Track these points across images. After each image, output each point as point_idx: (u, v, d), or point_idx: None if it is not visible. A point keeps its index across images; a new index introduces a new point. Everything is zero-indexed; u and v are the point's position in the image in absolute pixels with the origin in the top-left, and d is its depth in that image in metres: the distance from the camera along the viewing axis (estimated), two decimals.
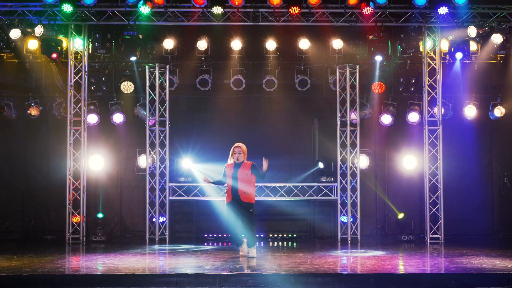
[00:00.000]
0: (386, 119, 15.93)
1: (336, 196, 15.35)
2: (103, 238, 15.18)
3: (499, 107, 15.91)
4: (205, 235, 15.78)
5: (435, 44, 15.34)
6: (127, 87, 15.82)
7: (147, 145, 15.28)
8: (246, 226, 11.18)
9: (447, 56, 15.44)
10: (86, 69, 15.35)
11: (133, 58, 15.18)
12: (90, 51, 15.44)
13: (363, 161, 15.73)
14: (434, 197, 15.16)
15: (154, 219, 15.22)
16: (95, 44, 15.26)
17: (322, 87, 16.32)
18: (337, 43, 15.59)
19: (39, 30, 14.48)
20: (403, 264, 10.97)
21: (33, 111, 15.88)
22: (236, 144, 11.27)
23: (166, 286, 9.13)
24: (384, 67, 15.91)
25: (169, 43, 15.55)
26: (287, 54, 16.04)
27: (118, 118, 15.77)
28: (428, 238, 15.05)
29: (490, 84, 16.11)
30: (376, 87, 15.86)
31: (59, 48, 14.84)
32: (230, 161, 11.28)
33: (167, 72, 15.43)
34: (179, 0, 14.77)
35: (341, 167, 15.36)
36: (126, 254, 12.27)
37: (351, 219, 15.24)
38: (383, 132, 16.22)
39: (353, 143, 15.37)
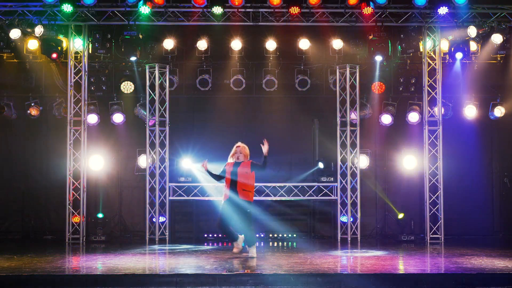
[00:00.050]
0: (386, 119, 15.94)
1: (336, 196, 15.35)
2: (103, 238, 15.18)
3: (499, 107, 15.92)
4: (205, 235, 15.79)
5: (435, 44, 15.34)
6: (127, 87, 15.82)
7: (147, 145, 15.28)
8: (245, 225, 11.15)
9: (447, 56, 15.45)
10: (86, 69, 15.36)
11: (133, 58, 15.18)
12: (90, 51, 15.44)
13: (363, 161, 15.73)
14: (434, 197, 15.16)
15: (154, 219, 15.22)
16: (95, 44, 15.26)
17: (322, 87, 16.32)
18: (337, 43, 15.59)
19: (39, 30, 14.48)
20: (403, 264, 10.96)
21: (33, 111, 15.88)
22: (237, 144, 11.29)
23: (166, 286, 9.12)
24: (384, 67, 15.91)
25: (169, 43, 15.55)
26: (287, 54, 16.05)
27: (118, 118, 15.77)
28: (428, 238, 15.05)
29: (490, 84, 16.11)
30: (376, 87, 15.87)
31: (59, 48, 14.84)
32: (230, 160, 11.29)
33: (167, 72, 15.43)
34: (179, 0, 14.77)
35: (341, 167, 15.37)
36: (126, 254, 12.27)
37: (351, 219, 15.24)
38: (383, 132, 16.23)
39: (353, 143, 15.37)
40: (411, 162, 15.81)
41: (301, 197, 15.45)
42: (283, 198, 15.45)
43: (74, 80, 15.32)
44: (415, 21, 14.98)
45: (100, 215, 15.69)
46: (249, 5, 14.70)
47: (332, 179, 15.47)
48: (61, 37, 15.08)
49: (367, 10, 14.33)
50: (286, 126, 16.28)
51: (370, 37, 15.25)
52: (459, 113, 16.02)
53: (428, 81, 15.37)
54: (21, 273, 9.53)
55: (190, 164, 15.43)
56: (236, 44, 15.57)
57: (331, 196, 15.43)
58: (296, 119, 16.27)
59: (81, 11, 14.61)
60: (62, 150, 15.41)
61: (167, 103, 15.40)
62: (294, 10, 14.44)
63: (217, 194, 14.89)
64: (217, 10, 14.43)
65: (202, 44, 15.52)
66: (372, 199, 16.12)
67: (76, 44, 15.37)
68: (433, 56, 15.40)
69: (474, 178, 16.21)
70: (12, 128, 16.26)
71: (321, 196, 15.48)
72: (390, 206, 15.95)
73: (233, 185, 11.07)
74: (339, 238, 15.17)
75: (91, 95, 15.74)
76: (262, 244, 14.58)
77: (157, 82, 15.26)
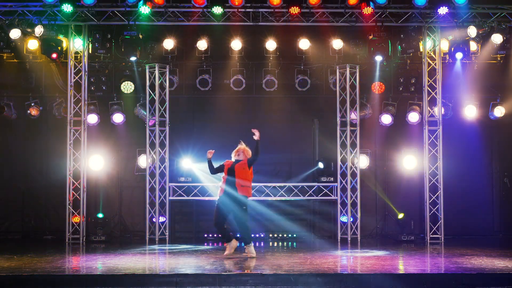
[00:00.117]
0: (386, 119, 15.93)
1: (336, 196, 15.35)
2: (103, 238, 15.18)
3: (499, 107, 15.91)
4: (205, 235, 15.79)
5: (435, 44, 15.34)
6: (127, 87, 15.82)
7: (147, 145, 15.28)
8: (241, 222, 11.22)
9: (447, 56, 15.45)
10: (86, 69, 15.35)
11: (133, 58, 15.18)
12: (90, 51, 15.44)
13: (363, 161, 15.73)
14: (434, 197, 15.16)
15: (154, 219, 15.22)
16: (95, 44, 15.27)
17: (322, 87, 16.32)
18: (337, 43, 15.59)
19: (39, 30, 14.47)
20: (403, 264, 10.96)
21: (33, 111, 15.88)
22: (241, 144, 11.52)
23: (166, 286, 9.13)
24: (384, 67, 15.91)
25: (169, 43, 15.55)
26: (287, 54, 16.05)
27: (118, 118, 15.77)
28: (428, 238, 15.05)
29: (490, 84, 16.11)
30: (376, 87, 15.87)
31: (59, 48, 14.84)
32: (233, 157, 11.51)
33: (167, 72, 15.43)
34: (179, 0, 14.77)
35: (341, 167, 15.36)
36: (126, 254, 12.27)
37: (351, 219, 15.24)
38: (383, 132, 16.23)
39: (353, 143, 15.37)
40: (411, 162, 15.81)
41: (301, 197, 15.46)
42: (283, 198, 15.45)
43: (74, 80, 15.32)
44: (415, 21, 14.98)
45: (100, 215, 15.68)
46: (249, 5, 14.69)
47: (332, 179, 15.48)
48: (61, 37, 15.08)
49: (367, 10, 14.33)
50: (286, 126, 16.29)
51: (370, 37, 15.25)
52: (459, 113, 16.02)
53: (428, 81, 15.37)
54: (21, 273, 9.53)
55: (190, 164, 15.44)
56: (236, 44, 15.57)
57: (331, 196, 15.43)
58: (296, 119, 16.27)
59: (81, 11, 14.61)
60: (62, 150, 15.41)
61: (167, 103, 15.40)
62: (294, 10, 14.44)
63: (217, 194, 14.88)
64: (217, 10, 14.43)
65: (202, 44, 15.52)
66: (372, 199, 16.12)
67: (76, 44, 15.37)
68: (433, 56, 15.39)
69: (474, 178, 16.22)
70: (12, 128, 16.26)
71: (321, 196, 15.48)
72: (390, 206, 15.95)
73: (231, 181, 11.19)
74: (339, 238, 15.17)
75: (91, 95, 15.74)
76: (262, 244, 14.58)
77: (157, 82, 15.26)
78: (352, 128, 15.37)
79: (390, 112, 15.99)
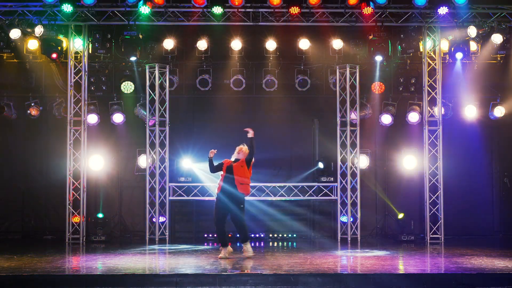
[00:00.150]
0: (386, 119, 15.93)
1: (336, 196, 15.35)
2: (103, 238, 15.18)
3: (499, 107, 15.91)
4: (205, 235, 15.79)
5: (435, 44, 15.34)
6: (127, 87, 15.82)
7: (147, 145, 15.28)
8: (238, 221, 11.24)
9: (447, 56, 15.45)
10: (86, 69, 15.35)
11: (133, 58, 15.19)
12: (90, 51, 15.44)
13: (363, 161, 15.73)
14: (434, 197, 15.15)
15: (154, 219, 15.22)
16: (95, 44, 15.27)
17: (322, 87, 16.32)
18: (337, 43, 15.59)
19: (39, 30, 14.47)
20: (403, 264, 10.97)
21: (33, 111, 15.88)
22: (241, 145, 11.62)
23: (166, 286, 9.14)
24: (384, 67, 15.91)
25: (169, 43, 15.54)
26: (287, 54, 16.04)
27: (118, 118, 15.77)
28: (428, 238, 15.05)
29: (490, 84, 16.11)
30: (376, 87, 15.86)
31: (59, 48, 14.84)
32: (232, 158, 11.53)
33: (167, 72, 15.43)
34: (179, 0, 14.77)
35: (341, 167, 15.36)
36: (126, 254, 12.28)
37: (351, 219, 15.24)
38: (383, 132, 16.23)
39: (353, 143, 15.37)
40: (411, 162, 15.80)
41: (301, 197, 15.46)
42: (283, 198, 15.45)
43: (74, 80, 15.32)
44: (415, 21, 14.98)
45: (100, 215, 15.67)
46: (249, 5, 14.69)
47: (332, 179, 15.48)
48: (61, 37, 15.08)
49: (367, 10, 14.33)
50: (286, 126, 16.29)
51: (370, 37, 15.25)
52: (459, 113, 16.02)
53: (428, 81, 15.37)
54: (21, 273, 9.53)
55: (190, 164, 15.44)
56: (236, 44, 15.57)
57: (331, 196, 15.43)
58: (296, 119, 16.27)
59: (81, 11, 14.61)
60: (62, 150, 15.41)
61: (167, 103, 15.40)
62: (294, 10, 14.44)
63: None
64: (217, 10, 14.43)
65: (202, 44, 15.51)
66: (372, 199, 16.12)
67: (76, 44, 15.36)
68: (433, 56, 15.39)
69: (474, 178, 16.22)
70: (12, 128, 16.26)
71: (321, 196, 15.48)
72: (390, 206, 15.95)
73: (230, 179, 11.22)
74: (339, 238, 15.17)
75: (91, 95, 15.74)
76: (262, 244, 14.59)
77: (157, 82, 15.26)
78: (352, 128, 15.36)
79: (390, 112, 15.99)
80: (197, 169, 15.31)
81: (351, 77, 15.37)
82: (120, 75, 16.05)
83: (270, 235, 15.81)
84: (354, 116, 15.40)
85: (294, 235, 15.82)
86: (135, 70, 15.83)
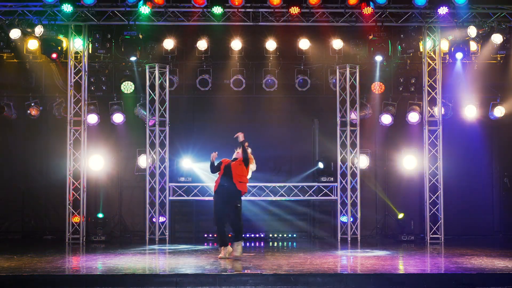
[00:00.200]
0: (386, 119, 15.93)
1: (336, 196, 15.35)
2: (103, 238, 15.17)
3: (499, 107, 15.91)
4: (205, 235, 15.79)
5: (435, 44, 15.34)
6: (127, 87, 15.82)
7: (147, 145, 15.28)
8: (234, 218, 11.17)
9: (447, 56, 15.45)
10: (86, 69, 15.35)
11: (133, 58, 15.19)
12: (90, 51, 15.44)
13: (363, 161, 15.73)
14: (434, 197, 15.15)
15: (154, 219, 15.22)
16: (95, 44, 15.27)
17: (322, 87, 16.32)
18: (337, 43, 15.58)
19: (39, 30, 14.47)
20: (403, 264, 10.97)
21: (33, 111, 15.88)
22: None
23: (166, 286, 9.13)
24: (384, 67, 15.91)
25: (169, 43, 15.54)
26: (287, 54, 16.04)
27: (118, 118, 15.77)
28: (428, 238, 15.05)
29: (490, 84, 16.11)
30: (376, 87, 15.86)
31: (59, 48, 14.84)
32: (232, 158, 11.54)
33: (167, 72, 15.43)
34: (179, 0, 14.77)
35: (341, 167, 15.36)
36: (126, 254, 12.28)
37: (351, 219, 15.24)
38: (383, 132, 16.23)
39: (353, 143, 15.37)
40: (411, 162, 15.80)
41: (301, 197, 15.46)
42: (283, 198, 15.46)
43: (74, 80, 15.32)
44: (415, 21, 14.98)
45: (100, 215, 15.68)
46: (249, 5, 14.69)
47: (332, 179, 15.48)
48: (61, 37, 15.08)
49: (367, 10, 14.33)
50: (286, 126, 16.28)
51: (370, 37, 15.26)
52: (459, 113, 16.02)
53: (428, 81, 15.37)
54: (21, 273, 9.53)
55: (190, 164, 15.44)
56: (236, 44, 15.57)
57: (331, 196, 15.43)
58: (296, 119, 16.27)
59: (81, 11, 14.61)
60: (62, 150, 15.40)
61: (167, 103, 15.40)
62: (294, 10, 14.44)
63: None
64: (217, 10, 14.43)
65: (202, 44, 15.51)
66: (372, 199, 16.12)
67: (76, 44, 15.36)
68: (433, 56, 15.39)
69: (474, 178, 16.22)
70: (12, 128, 16.26)
71: (321, 196, 15.49)
72: (390, 206, 15.95)
73: (228, 177, 11.19)
74: (339, 238, 15.16)
75: (91, 95, 15.74)
76: (262, 244, 14.59)
77: (157, 82, 15.27)
78: (352, 128, 15.37)
79: (390, 112, 15.99)
80: (197, 169, 15.31)
81: (351, 77, 15.37)
82: (120, 75, 16.05)
83: (270, 235, 15.81)
84: (354, 116, 15.40)
85: (294, 235, 15.82)
86: (135, 70, 15.83)
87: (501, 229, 16.26)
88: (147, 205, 15.24)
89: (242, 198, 11.38)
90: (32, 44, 15.24)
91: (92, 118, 15.58)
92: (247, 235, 15.58)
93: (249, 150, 11.44)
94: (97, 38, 15.19)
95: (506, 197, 16.30)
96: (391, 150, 16.17)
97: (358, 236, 15.17)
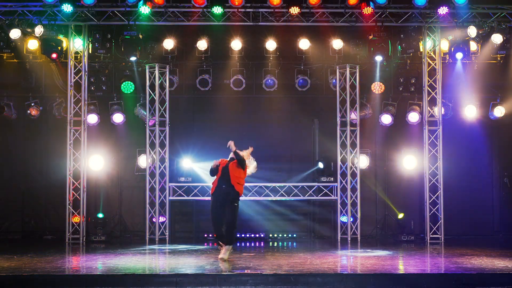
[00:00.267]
0: (386, 119, 15.93)
1: (336, 196, 15.35)
2: (103, 238, 15.17)
3: (499, 107, 15.91)
4: (205, 235, 15.78)
5: (435, 44, 15.34)
6: (127, 87, 15.82)
7: (147, 145, 15.29)
8: (229, 221, 11.07)
9: (447, 56, 15.45)
10: (86, 69, 15.35)
11: (133, 58, 15.19)
12: (90, 51, 15.44)
13: (363, 161, 15.73)
14: (434, 197, 15.15)
15: (154, 219, 15.22)
16: (95, 44, 15.27)
17: (322, 87, 16.32)
18: (337, 43, 15.58)
19: (39, 30, 14.47)
20: (403, 264, 10.97)
21: (33, 111, 15.88)
22: (245, 151, 11.48)
23: (166, 286, 9.13)
24: (384, 67, 15.91)
25: (169, 43, 15.54)
26: (287, 54, 16.04)
27: (118, 118, 15.77)
28: (428, 238, 15.05)
29: (490, 84, 16.10)
30: (376, 87, 15.86)
31: (59, 48, 14.84)
32: (228, 158, 11.44)
33: (167, 72, 15.43)
34: (179, 0, 14.77)
35: (341, 167, 15.37)
36: (126, 254, 12.28)
37: (351, 219, 15.24)
38: (383, 132, 16.23)
39: (353, 143, 15.37)
40: (411, 162, 15.80)
41: (301, 197, 15.46)
42: (283, 198, 15.46)
43: (74, 80, 15.32)
44: (415, 21, 14.98)
45: (100, 215, 15.67)
46: (249, 5, 14.69)
47: (332, 179, 15.49)
48: (61, 37, 15.08)
49: (367, 10, 14.33)
50: (286, 126, 16.28)
51: (370, 37, 15.26)
52: (459, 113, 16.02)
53: (428, 81, 15.37)
54: (21, 273, 9.53)
55: (190, 164, 15.44)
56: (236, 44, 15.57)
57: (331, 196, 15.43)
58: (296, 119, 16.27)
59: (81, 11, 14.61)
60: (62, 150, 15.40)
61: (167, 103, 15.40)
62: (294, 10, 14.44)
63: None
64: (217, 10, 14.43)
65: (202, 44, 15.51)
66: (372, 199, 16.12)
67: (76, 44, 15.36)
68: (433, 56, 15.39)
69: (474, 178, 16.22)
70: (12, 128, 16.26)
71: (321, 196, 15.49)
72: (390, 206, 15.95)
73: (226, 178, 11.10)
74: (339, 238, 15.17)
75: (91, 95, 15.73)
76: (262, 244, 14.59)
77: (157, 82, 15.27)
78: (352, 128, 15.37)
79: (390, 112, 15.99)
80: (197, 169, 15.31)
81: (351, 77, 15.37)
82: (120, 75, 16.05)
83: (270, 235, 15.81)
84: (354, 116, 15.40)
85: (294, 235, 15.82)
86: (135, 70, 15.83)
87: (501, 229, 16.26)
88: (147, 205, 15.24)
89: (241, 197, 11.34)
90: (32, 44, 15.24)
91: (92, 118, 15.58)
92: (247, 235, 15.60)
93: (250, 150, 11.38)
94: (97, 38, 15.19)
95: (506, 197, 16.29)
96: (391, 150, 16.16)
97: (358, 236, 15.17)
